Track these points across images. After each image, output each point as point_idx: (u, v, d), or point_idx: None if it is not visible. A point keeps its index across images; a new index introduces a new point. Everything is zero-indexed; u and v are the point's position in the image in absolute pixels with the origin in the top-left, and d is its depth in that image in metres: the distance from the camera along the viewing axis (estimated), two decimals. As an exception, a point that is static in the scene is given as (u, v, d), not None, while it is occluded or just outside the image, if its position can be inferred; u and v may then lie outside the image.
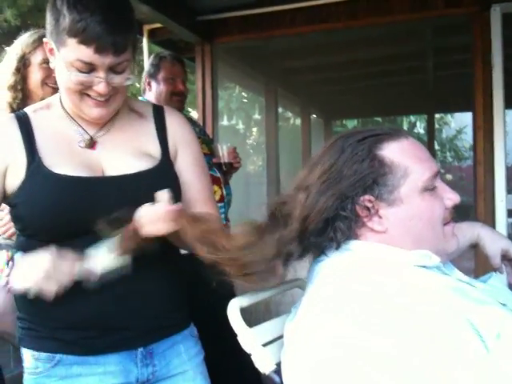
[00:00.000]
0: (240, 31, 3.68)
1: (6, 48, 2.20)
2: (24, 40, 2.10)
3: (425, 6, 3.23)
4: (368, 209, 1.03)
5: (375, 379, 0.86)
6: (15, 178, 1.15)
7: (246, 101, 11.26)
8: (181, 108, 2.49)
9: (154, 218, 1.09)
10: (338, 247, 1.06)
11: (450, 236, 1.08)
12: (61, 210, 1.13)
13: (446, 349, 0.86)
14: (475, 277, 1.17)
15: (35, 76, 2.07)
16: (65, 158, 1.17)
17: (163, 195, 1.11)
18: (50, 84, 2.06)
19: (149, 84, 2.52)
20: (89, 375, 1.17)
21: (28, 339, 1.20)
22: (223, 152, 2.51)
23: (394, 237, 1.04)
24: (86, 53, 1.07)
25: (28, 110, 1.24)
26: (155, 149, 1.27)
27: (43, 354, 1.17)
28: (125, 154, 1.22)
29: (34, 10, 8.07)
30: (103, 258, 1.09)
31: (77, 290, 1.08)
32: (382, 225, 1.04)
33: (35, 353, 1.18)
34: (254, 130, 12.81)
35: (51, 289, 1.04)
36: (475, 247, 1.33)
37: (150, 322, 1.21)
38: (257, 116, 10.28)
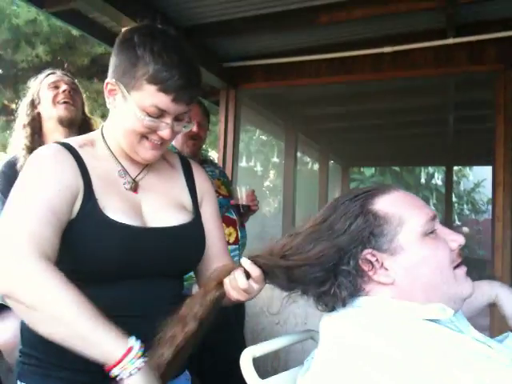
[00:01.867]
0: (264, 79, 3.76)
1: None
2: (32, 84, 2.26)
3: (449, 62, 3.28)
4: (371, 262, 1.04)
5: None
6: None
7: (265, 144, 11.40)
8: (195, 151, 2.49)
9: (237, 286, 1.11)
10: (343, 304, 1.06)
11: (463, 279, 1.06)
12: (109, 255, 1.13)
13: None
14: (490, 335, 1.15)
15: (46, 101, 2.19)
16: (116, 202, 1.18)
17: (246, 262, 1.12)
18: (60, 101, 2.18)
19: None
20: None
21: (34, 376, 1.17)
22: (242, 194, 2.52)
23: (403, 287, 1.03)
24: (164, 100, 1.13)
25: (73, 144, 1.22)
26: (187, 201, 1.33)
27: None
28: (165, 204, 1.27)
29: (65, 47, 8.33)
30: None
31: None
32: (389, 276, 1.03)
33: None
34: (272, 172, 12.91)
35: None
36: (492, 306, 1.32)
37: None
38: (275, 159, 10.37)
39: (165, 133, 1.18)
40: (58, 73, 2.28)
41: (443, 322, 1.02)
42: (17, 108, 2.27)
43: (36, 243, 1.02)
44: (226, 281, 1.12)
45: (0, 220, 1.09)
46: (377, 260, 1.04)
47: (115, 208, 1.17)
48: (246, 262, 1.11)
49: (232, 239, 2.44)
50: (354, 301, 1.06)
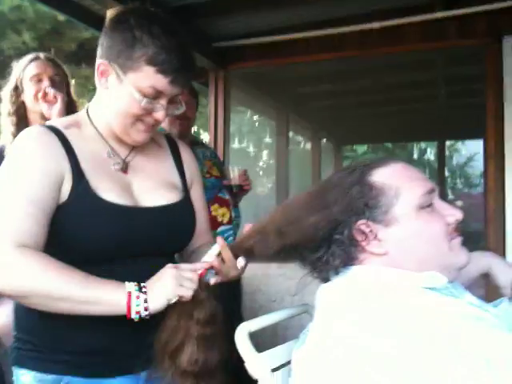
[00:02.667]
0: (254, 58, 3.73)
1: None
2: (14, 68, 2.23)
3: (437, 36, 3.26)
4: (364, 233, 1.05)
5: None
6: (61, 195, 1.14)
7: (257, 124, 11.36)
8: (184, 132, 2.49)
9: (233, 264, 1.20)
10: (336, 272, 1.07)
11: (458, 249, 1.08)
12: (105, 236, 1.15)
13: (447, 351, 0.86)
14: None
15: (29, 94, 2.17)
16: (107, 182, 1.19)
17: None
18: (42, 98, 2.14)
19: None
20: None
21: (30, 361, 1.18)
22: (234, 174, 2.52)
23: (396, 258, 1.05)
24: (162, 82, 1.15)
25: (58, 125, 1.22)
26: (177, 180, 1.35)
27: (49, 376, 1.16)
28: (155, 184, 1.28)
29: (52, 33, 8.23)
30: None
31: (93, 318, 1.09)
32: (382, 247, 1.05)
33: (39, 374, 1.16)
34: (265, 152, 12.87)
35: (186, 293, 1.09)
36: (486, 277, 1.33)
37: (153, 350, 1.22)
38: (267, 139, 10.35)
39: (159, 115, 1.19)
40: (42, 57, 2.23)
41: (438, 288, 1.03)
42: None
43: (12, 239, 1.04)
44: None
45: None
46: (371, 231, 1.05)
47: (107, 188, 1.17)
48: (216, 247, 1.19)
49: (226, 219, 2.45)
50: (348, 270, 1.07)
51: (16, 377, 1.20)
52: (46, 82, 2.17)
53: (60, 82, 2.23)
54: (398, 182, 1.06)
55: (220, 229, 2.41)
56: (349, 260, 1.07)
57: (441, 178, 8.56)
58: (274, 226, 1.10)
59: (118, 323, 1.10)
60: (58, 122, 1.26)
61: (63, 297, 1.04)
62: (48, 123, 1.24)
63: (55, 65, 2.26)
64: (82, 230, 1.14)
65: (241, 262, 1.20)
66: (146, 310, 1.07)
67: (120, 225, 1.17)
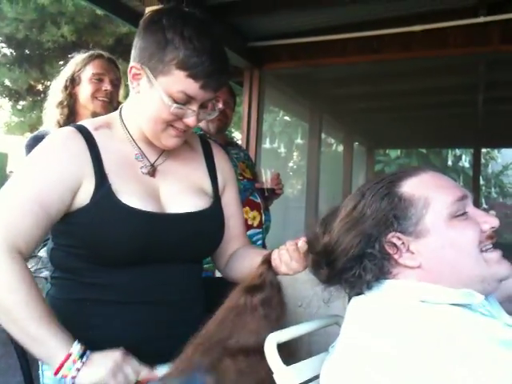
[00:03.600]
0: (290, 58, 3.71)
1: (61, 62, 2.30)
2: (74, 60, 2.19)
3: (480, 41, 3.18)
4: (396, 246, 1.02)
5: None
6: (81, 198, 1.13)
7: (289, 125, 11.32)
8: (221, 127, 2.49)
9: (288, 259, 1.15)
10: (368, 287, 1.04)
11: (495, 262, 1.02)
12: (126, 241, 1.13)
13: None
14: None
15: (85, 91, 2.14)
16: (131, 186, 1.16)
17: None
18: (99, 97, 2.13)
19: None
20: None
21: None
22: (266, 177, 2.49)
23: (430, 271, 1.01)
24: (193, 87, 1.10)
25: (88, 126, 1.20)
26: (207, 185, 1.31)
27: None
28: (184, 189, 1.24)
29: (90, 27, 8.35)
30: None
31: (119, 312, 1.09)
32: (415, 260, 1.01)
33: None
34: (296, 154, 12.84)
35: None
36: None
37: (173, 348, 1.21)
38: (299, 140, 10.32)
39: (190, 120, 1.15)
40: (105, 57, 2.21)
41: (474, 306, 0.98)
42: (46, 87, 2.26)
43: (8, 235, 1.04)
44: (275, 256, 1.16)
45: None
46: (403, 243, 1.01)
47: (130, 193, 1.15)
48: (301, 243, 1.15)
49: (256, 223, 2.42)
50: (381, 284, 1.04)
51: (41, 371, 1.22)
52: (106, 84, 2.15)
53: (117, 86, 2.23)
54: (426, 191, 1.02)
55: (249, 232, 2.37)
56: (381, 274, 1.04)
57: (475, 186, 8.38)
58: (326, 256, 1.08)
59: (143, 323, 1.10)
60: (90, 122, 1.23)
61: (17, 321, 1.03)
62: (80, 123, 1.23)
63: (116, 67, 2.25)
64: (102, 234, 1.12)
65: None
66: (72, 378, 1.04)
67: (140, 230, 1.14)
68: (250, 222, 2.39)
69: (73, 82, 2.14)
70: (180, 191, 1.23)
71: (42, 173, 1.12)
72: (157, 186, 1.22)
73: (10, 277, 1.03)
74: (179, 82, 1.10)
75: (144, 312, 1.12)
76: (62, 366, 1.03)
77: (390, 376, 0.88)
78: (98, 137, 1.19)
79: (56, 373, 1.03)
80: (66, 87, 2.13)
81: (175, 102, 1.11)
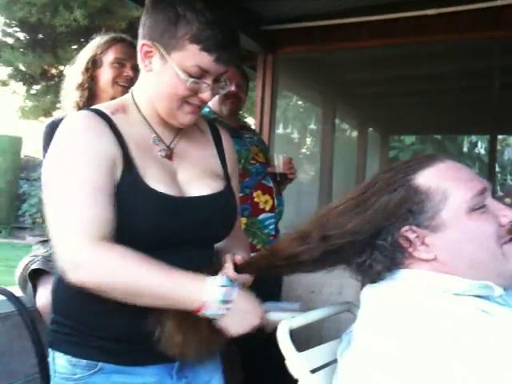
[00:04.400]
0: (304, 42, 3.65)
1: (74, 46, 2.27)
2: (95, 41, 2.15)
3: (496, 24, 3.11)
4: (410, 240, 0.99)
5: None
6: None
7: (302, 110, 11.25)
8: (235, 110, 2.50)
9: None
10: (379, 278, 1.03)
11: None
12: (149, 225, 1.13)
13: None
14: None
15: (106, 75, 2.11)
16: (154, 170, 1.16)
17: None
18: (120, 83, 2.10)
19: None
20: None
21: (66, 344, 1.18)
22: (279, 162, 2.48)
23: (445, 263, 0.99)
24: (207, 60, 1.11)
25: (104, 110, 1.19)
26: (219, 168, 1.32)
27: (83, 361, 1.15)
28: (200, 172, 1.25)
29: (103, 11, 8.33)
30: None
31: (133, 306, 1.08)
32: (430, 252, 0.99)
33: (73, 359, 1.16)
34: (309, 139, 12.77)
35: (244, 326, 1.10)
36: None
37: None
38: (312, 126, 10.25)
39: (206, 95, 1.15)
40: (127, 42, 2.18)
41: (491, 297, 0.97)
42: (59, 71, 2.23)
43: (85, 232, 1.04)
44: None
45: (48, 199, 1.10)
46: (417, 236, 0.99)
47: (155, 177, 1.15)
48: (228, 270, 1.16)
49: (268, 207, 2.41)
50: (396, 273, 1.02)
51: (52, 359, 1.20)
52: (128, 70, 2.12)
53: (138, 72, 2.20)
54: (444, 184, 0.99)
55: (261, 216, 2.37)
56: (393, 265, 1.02)
57: (491, 173, 8.29)
58: (317, 230, 1.04)
59: (158, 310, 1.09)
60: (105, 106, 1.22)
61: (140, 293, 1.06)
62: (95, 107, 1.21)
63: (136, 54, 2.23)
64: (131, 219, 1.11)
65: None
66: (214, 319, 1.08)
67: (168, 214, 1.15)
68: (261, 206, 2.38)
69: (94, 64, 2.11)
70: (196, 174, 1.24)
71: (88, 159, 1.09)
72: (174, 169, 1.22)
73: (111, 265, 1.05)
74: (193, 56, 1.10)
75: None
76: (198, 311, 1.07)
77: (390, 375, 0.87)
78: (117, 120, 1.18)
79: (194, 312, 1.07)
80: (87, 69, 2.09)
81: (190, 76, 1.12)
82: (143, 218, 1.12)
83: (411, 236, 0.99)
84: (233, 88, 2.41)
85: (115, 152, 1.12)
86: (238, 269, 1.17)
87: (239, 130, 2.51)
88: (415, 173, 1.02)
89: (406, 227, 0.99)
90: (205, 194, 1.22)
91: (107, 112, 1.18)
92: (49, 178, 1.12)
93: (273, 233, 2.41)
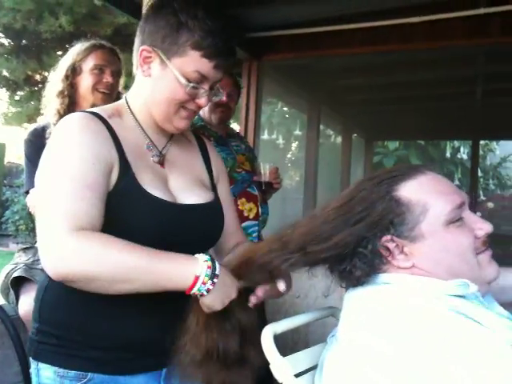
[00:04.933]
0: (288, 49, 3.68)
1: (59, 52, 2.25)
2: (75, 49, 2.15)
3: (480, 33, 3.16)
4: (389, 249, 1.02)
5: None
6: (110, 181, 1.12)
7: (287, 116, 11.29)
8: (224, 119, 2.52)
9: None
10: (358, 283, 1.04)
11: (486, 264, 1.04)
12: (145, 229, 1.12)
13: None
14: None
15: (86, 82, 2.11)
16: (150, 175, 1.17)
17: None
18: (100, 89, 2.10)
19: None
20: None
21: (53, 355, 1.14)
22: (265, 171, 2.49)
23: (422, 270, 1.01)
24: (207, 66, 1.15)
25: (101, 113, 1.18)
26: (205, 177, 1.34)
27: (72, 372, 1.12)
28: (189, 181, 1.27)
29: (88, 18, 8.30)
30: None
31: (124, 314, 1.08)
32: (408, 261, 1.02)
33: (61, 370, 1.13)
34: (294, 145, 12.82)
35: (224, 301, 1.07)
36: None
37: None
38: (297, 132, 10.30)
39: (203, 100, 1.19)
40: (106, 48, 2.17)
41: (468, 296, 0.99)
42: (44, 77, 2.22)
43: (68, 224, 1.00)
44: None
45: (37, 197, 1.11)
46: (396, 245, 1.01)
47: (150, 182, 1.15)
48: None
49: (252, 215, 2.42)
50: (377, 277, 1.04)
51: (35, 370, 1.16)
52: (107, 76, 2.12)
53: (118, 78, 2.19)
54: (425, 196, 1.02)
55: (245, 223, 2.37)
56: (372, 270, 1.04)
57: (473, 177, 8.39)
58: (298, 243, 1.03)
59: (148, 318, 1.10)
60: (102, 109, 1.22)
61: (128, 277, 1.01)
62: (93, 110, 1.20)
63: (117, 58, 2.22)
64: (127, 222, 1.12)
65: (281, 286, 1.14)
66: (201, 296, 1.04)
67: (161, 218, 1.15)
68: (246, 214, 2.39)
69: (74, 71, 2.11)
70: (187, 183, 1.25)
71: (81, 155, 1.08)
72: (166, 175, 1.23)
73: (94, 252, 0.99)
74: (194, 61, 1.13)
75: (159, 299, 1.10)
76: (191, 289, 1.03)
77: (387, 375, 0.88)
78: (114, 124, 1.18)
79: (188, 292, 1.03)
80: (66, 77, 2.09)
81: (190, 81, 1.14)
82: (138, 221, 1.12)
83: (391, 246, 1.02)
84: (224, 98, 2.43)
85: (112, 154, 1.12)
86: None
87: (226, 137, 2.52)
88: (397, 184, 1.04)
89: (388, 237, 1.01)
90: (196, 202, 1.23)
91: (104, 115, 1.18)
92: (41, 174, 1.11)
93: (255, 240, 2.41)
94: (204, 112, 2.46)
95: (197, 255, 1.06)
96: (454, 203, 1.02)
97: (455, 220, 1.01)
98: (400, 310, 0.96)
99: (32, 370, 1.17)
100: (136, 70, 1.21)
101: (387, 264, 1.03)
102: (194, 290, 1.02)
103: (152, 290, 1.03)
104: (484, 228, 1.04)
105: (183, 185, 1.24)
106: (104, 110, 1.22)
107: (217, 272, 1.04)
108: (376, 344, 0.93)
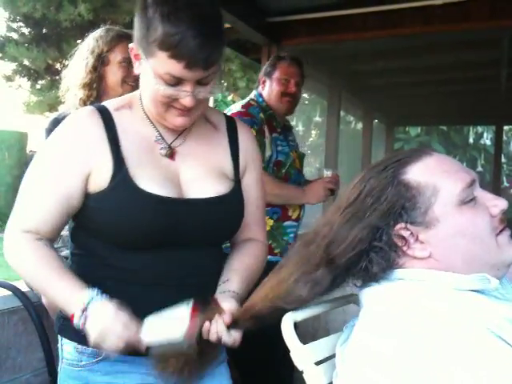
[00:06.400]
0: (308, 34, 3.64)
1: (78, 41, 2.20)
2: (100, 37, 2.07)
3: (504, 14, 3.08)
4: (404, 237, 0.98)
5: None
6: (98, 183, 1.12)
7: (307, 102, 11.22)
8: (290, 109, 2.50)
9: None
10: (375, 280, 1.01)
11: (506, 245, 0.99)
12: (142, 226, 1.11)
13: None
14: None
15: (115, 75, 2.05)
16: (150, 170, 1.14)
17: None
18: (129, 82, 2.04)
19: (263, 82, 2.50)
20: (132, 373, 1.17)
21: (73, 331, 1.15)
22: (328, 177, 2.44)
23: (440, 260, 0.98)
24: (176, 68, 1.03)
25: (110, 106, 1.18)
26: (229, 167, 1.26)
27: (89, 349, 1.15)
28: (204, 173, 1.20)
29: (107, 6, 8.32)
30: (165, 329, 1.07)
31: (139, 294, 1.09)
32: (425, 250, 0.98)
33: (79, 346, 1.17)
34: (314, 131, 12.76)
35: (109, 347, 1.05)
36: None
37: None
38: (317, 118, 10.25)
39: (186, 101, 1.07)
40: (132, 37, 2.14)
41: (488, 290, 0.96)
42: (64, 66, 2.15)
43: (22, 226, 1.12)
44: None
45: (18, 193, 1.16)
46: (411, 234, 0.98)
47: (148, 177, 1.12)
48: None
49: (295, 216, 2.40)
50: (392, 273, 1.01)
51: (60, 345, 1.22)
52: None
53: None
54: (433, 178, 0.98)
55: (287, 223, 2.36)
56: (388, 266, 1.00)
57: (497, 163, 8.26)
58: (321, 254, 1.01)
59: (160, 301, 1.09)
60: (112, 102, 1.20)
61: (39, 289, 1.18)
62: (102, 104, 1.20)
63: None
64: (119, 219, 1.11)
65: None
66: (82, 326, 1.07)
67: (158, 216, 1.12)
68: (290, 214, 2.37)
69: (102, 62, 2.04)
70: (200, 175, 1.20)
71: (57, 162, 1.14)
72: (177, 169, 1.18)
73: (21, 258, 1.13)
74: (163, 63, 1.03)
75: (164, 295, 1.12)
76: (73, 317, 1.07)
77: (387, 376, 0.87)
78: (118, 118, 1.16)
79: (72, 323, 1.07)
80: (94, 68, 2.02)
81: (166, 83, 1.06)
82: (130, 218, 1.11)
83: (405, 234, 0.98)
84: (293, 88, 2.43)
85: (102, 157, 1.12)
86: (234, 322, 1.10)
87: (284, 130, 2.48)
88: (404, 168, 1.00)
89: (401, 224, 0.98)
90: (205, 196, 1.18)
91: (111, 108, 1.17)
92: (31, 163, 1.17)
93: (291, 242, 2.38)
94: (271, 99, 2.42)
95: (81, 292, 1.07)
96: (465, 181, 0.98)
97: (468, 200, 0.97)
98: (405, 310, 0.93)
99: (58, 345, 1.23)
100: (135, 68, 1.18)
101: (403, 257, 1.00)
102: (76, 325, 1.07)
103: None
104: (499, 204, 0.99)
105: (195, 177, 1.19)
106: (116, 101, 1.21)
107: (87, 313, 1.06)
108: (375, 344, 0.91)
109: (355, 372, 0.92)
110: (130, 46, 1.13)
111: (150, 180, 1.12)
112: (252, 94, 2.49)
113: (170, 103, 1.10)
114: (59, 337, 1.23)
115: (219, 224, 1.20)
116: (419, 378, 0.84)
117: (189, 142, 1.22)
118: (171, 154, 1.19)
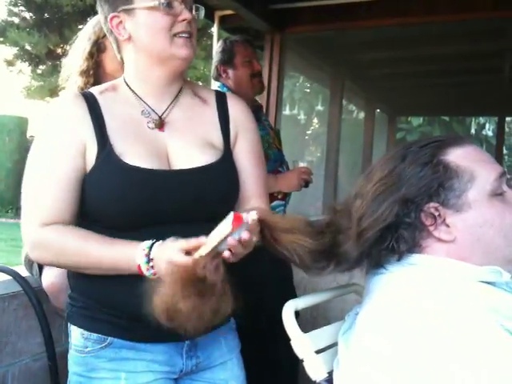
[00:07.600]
0: (312, 22, 3.61)
1: (80, 26, 2.18)
2: (97, 23, 2.06)
3: (508, 5, 3.05)
4: (434, 217, 0.98)
5: None
6: (89, 162, 1.16)
7: (309, 91, 11.17)
8: (262, 88, 2.49)
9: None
10: (399, 259, 1.00)
11: None
12: (128, 200, 1.14)
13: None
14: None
15: (112, 61, 2.02)
16: (134, 145, 1.18)
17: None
18: None
19: (224, 71, 2.44)
20: (137, 360, 1.19)
21: (80, 318, 1.22)
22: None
23: (463, 246, 0.98)
24: None
25: (94, 90, 1.25)
26: (218, 138, 1.27)
27: (94, 335, 1.19)
28: (191, 144, 1.23)
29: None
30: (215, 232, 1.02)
31: (144, 282, 1.08)
32: (450, 233, 0.98)
33: (86, 332, 1.20)
34: (315, 120, 12.71)
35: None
36: None
37: None
38: (319, 107, 10.20)
39: (184, 14, 1.18)
40: None
41: (498, 283, 0.97)
42: (65, 51, 2.14)
43: (39, 219, 1.14)
44: None
45: (22, 191, 1.20)
46: (439, 215, 0.98)
47: (134, 152, 1.16)
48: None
49: (281, 195, 2.40)
50: (408, 257, 1.01)
51: (69, 331, 1.26)
52: None
53: None
54: (472, 164, 1.00)
55: (274, 203, 2.35)
56: (412, 246, 1.00)
57: (498, 155, 8.22)
58: (358, 228, 1.01)
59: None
60: (97, 87, 1.28)
61: (87, 266, 1.15)
62: (82, 90, 1.29)
63: None
64: (106, 196, 1.14)
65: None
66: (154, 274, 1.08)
67: (145, 189, 1.14)
68: (275, 194, 2.37)
69: (98, 49, 1.99)
70: (187, 146, 1.22)
71: (52, 149, 1.18)
72: (164, 141, 1.21)
73: (56, 246, 1.14)
74: None
75: None
76: (142, 275, 1.08)
77: (387, 374, 0.87)
78: (102, 100, 1.22)
79: (141, 271, 1.09)
80: (91, 55, 1.98)
81: (159, 11, 1.17)
82: (117, 193, 1.13)
83: (435, 213, 0.98)
84: (259, 66, 2.43)
85: (88, 136, 1.17)
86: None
87: (257, 112, 2.45)
88: (446, 149, 1.01)
89: (434, 203, 0.98)
90: (191, 166, 1.19)
91: (95, 92, 1.24)
92: (27, 165, 1.21)
93: None
94: (240, 85, 2.39)
95: (139, 244, 1.09)
96: (498, 172, 1.00)
97: (498, 193, 1.00)
98: (407, 306, 0.93)
99: (69, 330, 1.26)
100: (116, 45, 1.25)
101: (428, 238, 1.00)
102: (147, 275, 1.08)
103: (113, 273, 1.14)
104: None
105: (182, 148, 1.22)
106: (100, 86, 1.29)
107: (151, 256, 1.07)
108: (375, 342, 0.92)
109: (355, 371, 0.93)
110: (109, 18, 1.21)
111: (135, 154, 1.15)
112: (215, 87, 2.43)
113: (171, 29, 1.18)
114: (69, 324, 1.25)
115: (210, 194, 1.20)
116: (420, 376, 0.84)
117: (177, 113, 1.26)
118: (161, 124, 1.22)
